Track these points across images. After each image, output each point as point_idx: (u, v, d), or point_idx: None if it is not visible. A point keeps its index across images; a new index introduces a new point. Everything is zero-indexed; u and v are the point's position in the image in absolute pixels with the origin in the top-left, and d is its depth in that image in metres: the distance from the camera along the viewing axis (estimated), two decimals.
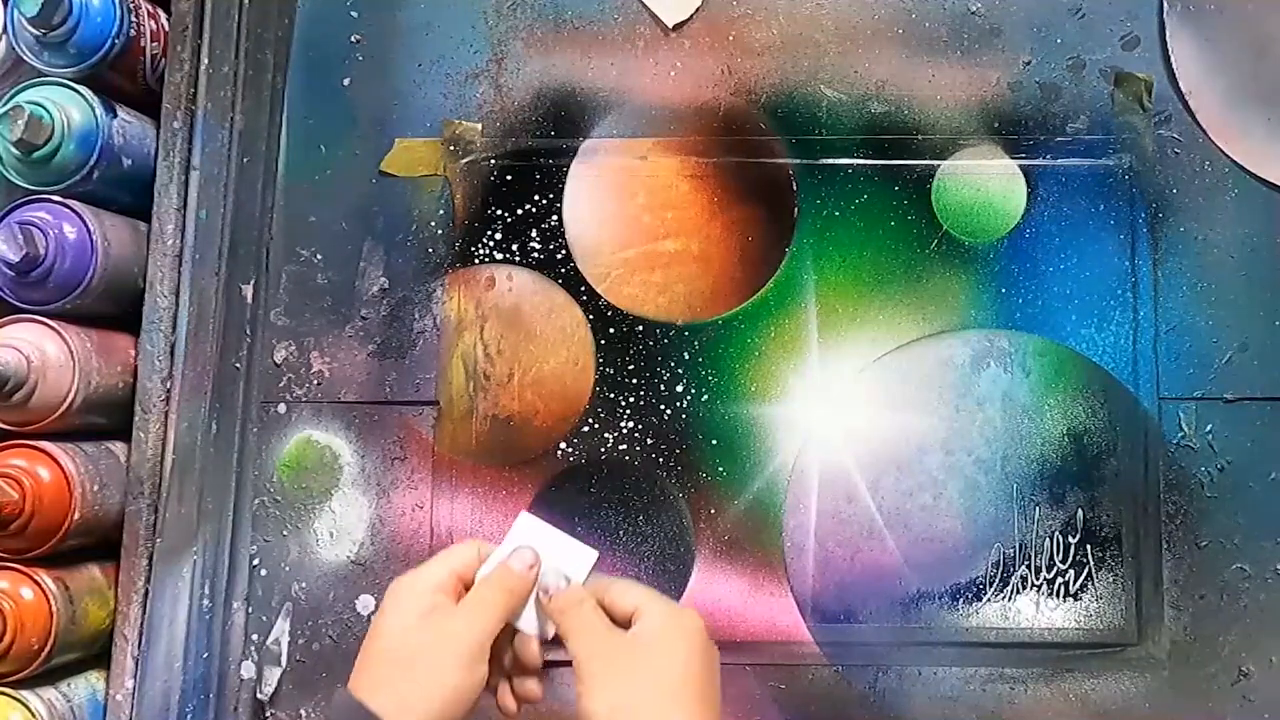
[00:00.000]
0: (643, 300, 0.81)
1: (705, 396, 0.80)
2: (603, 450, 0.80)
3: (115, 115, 0.77)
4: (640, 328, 0.81)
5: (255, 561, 0.80)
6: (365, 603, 0.79)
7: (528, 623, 0.62)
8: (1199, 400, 0.79)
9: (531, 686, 0.62)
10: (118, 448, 0.79)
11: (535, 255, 0.82)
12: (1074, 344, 0.80)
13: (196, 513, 0.79)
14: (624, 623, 0.60)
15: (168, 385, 0.80)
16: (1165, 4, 0.82)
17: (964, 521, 0.78)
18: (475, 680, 0.58)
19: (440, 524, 0.79)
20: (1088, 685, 0.77)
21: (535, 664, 0.62)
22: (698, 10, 0.84)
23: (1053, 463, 0.79)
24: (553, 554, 0.63)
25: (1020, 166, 0.81)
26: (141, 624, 0.77)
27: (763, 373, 0.80)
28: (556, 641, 0.62)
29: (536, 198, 0.82)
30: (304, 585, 0.79)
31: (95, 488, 0.75)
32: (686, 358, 0.80)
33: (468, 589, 0.62)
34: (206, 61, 0.82)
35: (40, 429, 0.74)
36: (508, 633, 0.62)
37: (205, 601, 0.78)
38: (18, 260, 0.72)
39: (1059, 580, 0.78)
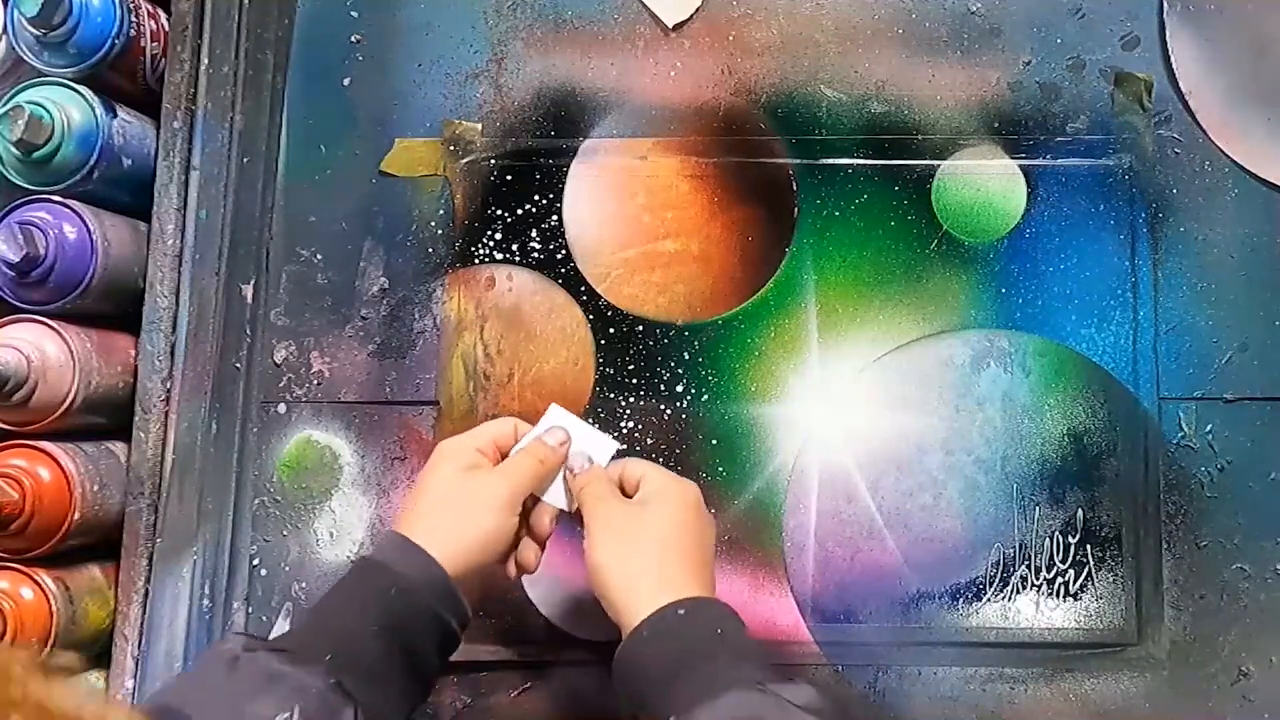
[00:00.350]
0: (643, 300, 0.81)
1: (705, 396, 0.80)
2: None
3: (115, 115, 0.77)
4: (640, 328, 0.81)
5: (255, 561, 0.80)
6: None
7: (552, 496, 0.69)
8: (1199, 400, 0.79)
9: (530, 556, 0.69)
10: (118, 448, 0.79)
11: (535, 255, 0.82)
12: (1074, 344, 0.80)
13: (196, 513, 0.79)
14: (634, 494, 0.68)
15: (168, 385, 0.80)
16: (1165, 4, 0.82)
17: (964, 521, 0.78)
18: (507, 527, 0.65)
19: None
20: (1088, 685, 0.77)
21: (543, 535, 0.69)
22: (698, 10, 0.83)
23: (1053, 463, 0.79)
24: (579, 439, 0.71)
25: (1020, 166, 0.81)
26: (141, 624, 0.77)
27: (763, 373, 0.80)
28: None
29: (536, 198, 0.82)
30: (304, 585, 0.79)
31: (95, 488, 0.75)
32: (686, 358, 0.80)
33: (503, 459, 0.69)
34: (206, 61, 0.82)
35: (40, 429, 0.74)
36: (527, 507, 0.68)
37: (205, 601, 0.78)
38: (18, 260, 0.72)
39: (1059, 580, 0.77)
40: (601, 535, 0.65)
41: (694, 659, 0.59)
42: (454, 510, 0.65)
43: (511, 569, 0.68)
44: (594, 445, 0.71)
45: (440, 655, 0.63)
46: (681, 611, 0.61)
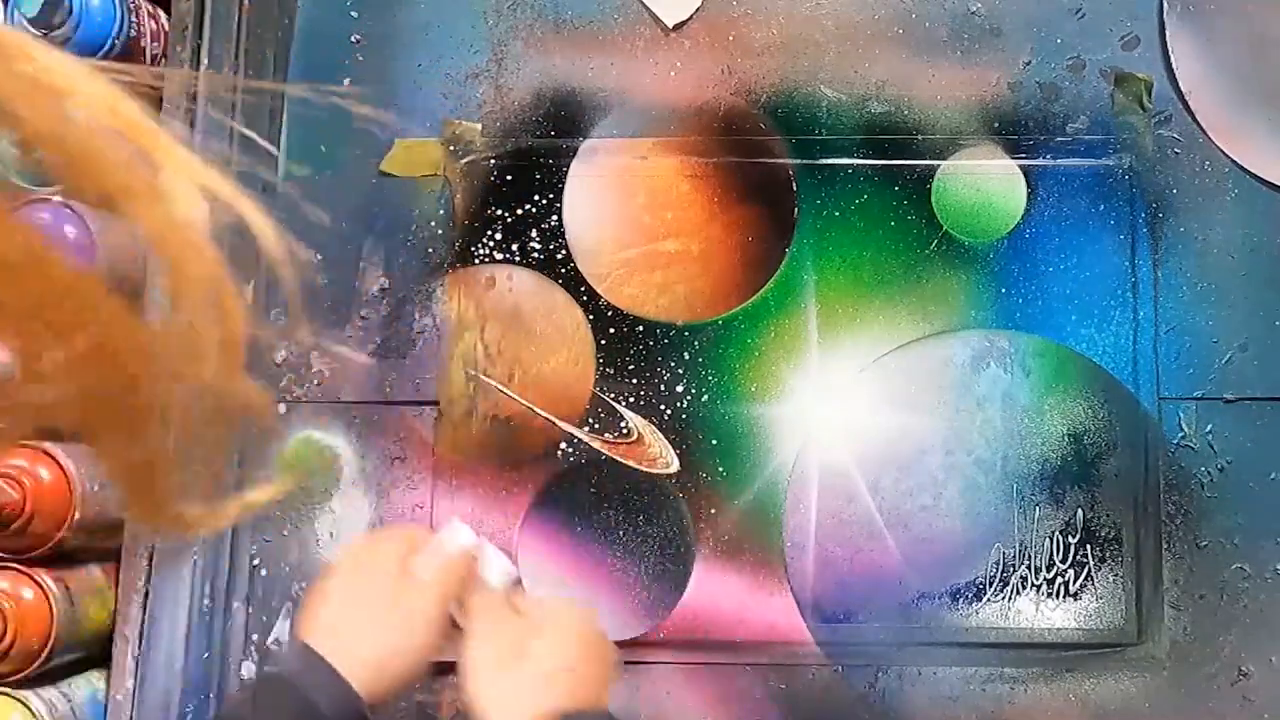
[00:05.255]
0: (643, 300, 0.81)
1: (705, 396, 0.80)
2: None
3: None
4: (640, 328, 0.81)
5: (255, 561, 0.80)
6: None
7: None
8: (1199, 400, 0.79)
9: None
10: None
11: (535, 255, 0.81)
12: (1074, 344, 0.80)
13: None
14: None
15: None
16: (1165, 4, 0.82)
17: (964, 522, 0.78)
18: (436, 647, 0.60)
19: (440, 524, 0.79)
20: (1088, 685, 0.77)
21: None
22: (698, 10, 0.83)
23: (1053, 463, 0.79)
24: (481, 557, 0.64)
25: (1020, 166, 0.81)
26: (141, 624, 0.77)
27: (763, 373, 0.80)
28: None
29: (536, 198, 0.82)
30: (304, 585, 0.79)
31: (95, 488, 0.75)
32: (686, 358, 0.80)
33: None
34: (206, 61, 0.82)
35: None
36: None
37: (205, 601, 0.78)
38: None
39: (1059, 580, 0.77)
40: (479, 635, 0.60)
41: None
42: (381, 628, 0.59)
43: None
44: (492, 565, 0.64)
45: None
46: None
